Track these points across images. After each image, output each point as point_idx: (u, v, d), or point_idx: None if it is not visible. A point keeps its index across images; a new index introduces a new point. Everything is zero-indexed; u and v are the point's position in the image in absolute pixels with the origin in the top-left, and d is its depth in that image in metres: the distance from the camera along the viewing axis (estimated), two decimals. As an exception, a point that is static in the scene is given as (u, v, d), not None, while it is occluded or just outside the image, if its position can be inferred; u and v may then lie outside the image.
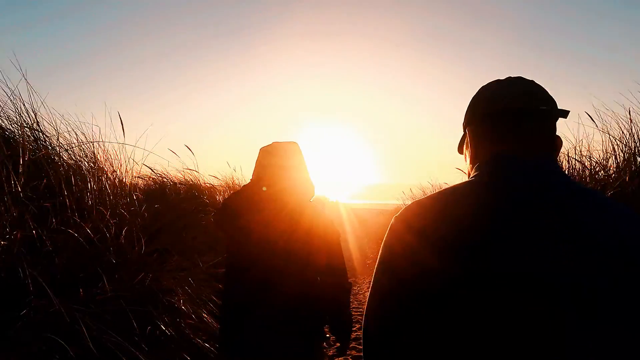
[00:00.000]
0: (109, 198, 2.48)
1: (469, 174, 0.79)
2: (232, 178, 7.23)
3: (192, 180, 5.25)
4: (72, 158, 2.54)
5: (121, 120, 3.00)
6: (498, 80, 0.77)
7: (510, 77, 0.77)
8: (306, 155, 1.61)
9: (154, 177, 4.55)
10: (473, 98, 0.79)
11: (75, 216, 2.09)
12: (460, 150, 0.87)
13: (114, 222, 2.28)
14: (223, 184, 5.87)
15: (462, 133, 0.84)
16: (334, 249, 1.55)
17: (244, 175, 8.51)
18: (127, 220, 2.43)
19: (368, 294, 0.70)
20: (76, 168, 2.45)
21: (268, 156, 1.54)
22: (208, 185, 5.61)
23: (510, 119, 0.72)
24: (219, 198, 5.44)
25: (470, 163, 0.79)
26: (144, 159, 3.57)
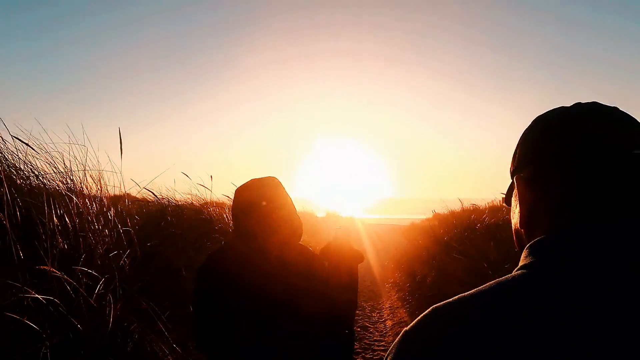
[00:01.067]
0: (85, 238, 1.98)
1: (519, 237, 0.59)
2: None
3: (198, 202, 4.78)
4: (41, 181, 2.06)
5: (120, 139, 2.55)
6: (585, 109, 0.55)
7: (586, 103, 0.57)
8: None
9: (153, 199, 4.10)
10: (540, 133, 0.57)
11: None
12: (508, 202, 0.67)
13: (87, 274, 1.77)
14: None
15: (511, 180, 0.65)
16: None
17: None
18: (108, 266, 1.93)
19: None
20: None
21: (248, 201, 1.32)
22: (218, 202, 5.14)
23: (627, 171, 0.49)
24: (227, 217, 4.95)
25: (523, 227, 0.57)
26: (148, 182, 3.12)
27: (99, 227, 2.09)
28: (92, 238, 1.94)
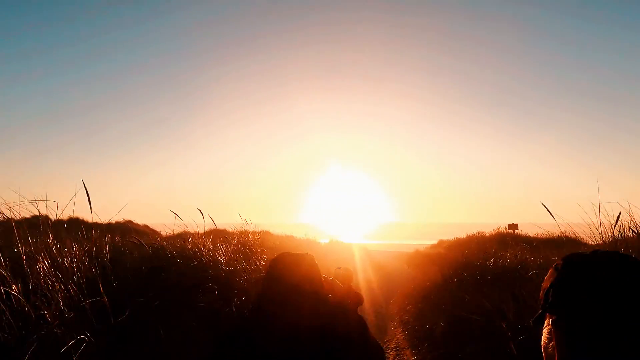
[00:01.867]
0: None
1: None
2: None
3: (196, 251, 4.42)
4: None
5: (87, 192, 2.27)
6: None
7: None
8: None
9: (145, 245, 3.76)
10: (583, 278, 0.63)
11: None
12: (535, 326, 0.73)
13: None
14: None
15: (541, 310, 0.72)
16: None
17: (256, 224, 7.78)
18: None
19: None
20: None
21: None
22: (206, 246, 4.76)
23: None
24: (223, 262, 4.57)
25: None
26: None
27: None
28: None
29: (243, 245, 6.73)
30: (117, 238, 4.97)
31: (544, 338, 0.68)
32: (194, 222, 5.26)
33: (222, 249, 4.96)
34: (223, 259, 4.33)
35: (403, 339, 8.00)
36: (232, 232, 7.87)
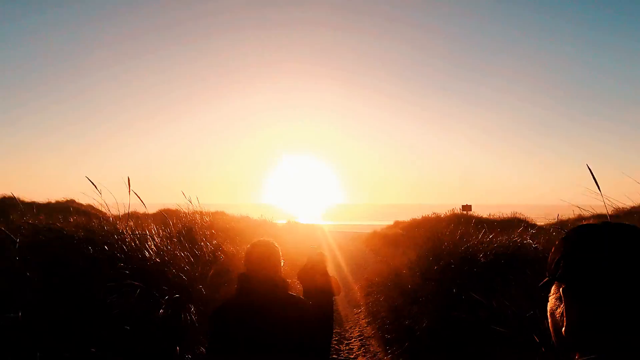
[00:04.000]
0: None
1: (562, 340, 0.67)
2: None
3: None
4: None
5: None
6: None
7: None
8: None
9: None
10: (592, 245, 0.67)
11: None
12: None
13: None
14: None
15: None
16: None
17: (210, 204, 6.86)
18: None
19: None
20: None
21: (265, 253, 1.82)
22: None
23: None
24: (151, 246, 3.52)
25: (571, 336, 0.66)
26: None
27: None
28: None
29: (188, 228, 5.66)
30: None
31: (550, 305, 0.71)
32: (140, 202, 4.37)
33: (157, 233, 3.91)
34: (153, 246, 3.27)
35: (365, 324, 7.46)
36: (183, 213, 6.77)
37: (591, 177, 2.39)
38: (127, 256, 3.05)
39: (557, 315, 0.68)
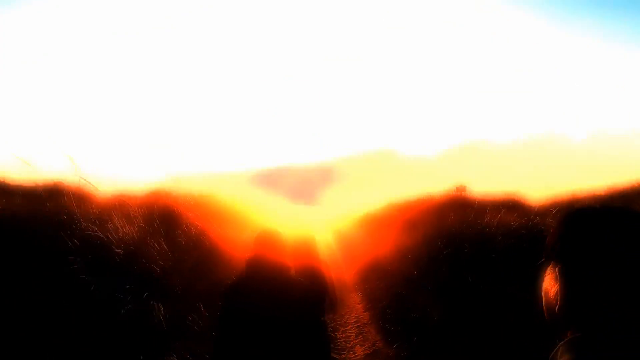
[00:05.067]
0: None
1: (555, 318, 0.71)
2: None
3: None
4: None
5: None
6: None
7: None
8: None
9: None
10: (593, 230, 0.69)
11: None
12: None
13: None
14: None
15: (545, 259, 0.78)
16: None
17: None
18: None
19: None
20: None
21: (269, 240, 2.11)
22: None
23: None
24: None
25: (563, 317, 0.69)
26: None
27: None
28: None
29: (167, 211, 5.06)
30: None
31: (545, 284, 0.74)
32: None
33: (128, 218, 3.30)
34: (117, 235, 2.69)
35: (362, 310, 7.09)
36: (164, 193, 6.11)
37: None
38: (83, 246, 2.50)
39: (550, 294, 0.72)
